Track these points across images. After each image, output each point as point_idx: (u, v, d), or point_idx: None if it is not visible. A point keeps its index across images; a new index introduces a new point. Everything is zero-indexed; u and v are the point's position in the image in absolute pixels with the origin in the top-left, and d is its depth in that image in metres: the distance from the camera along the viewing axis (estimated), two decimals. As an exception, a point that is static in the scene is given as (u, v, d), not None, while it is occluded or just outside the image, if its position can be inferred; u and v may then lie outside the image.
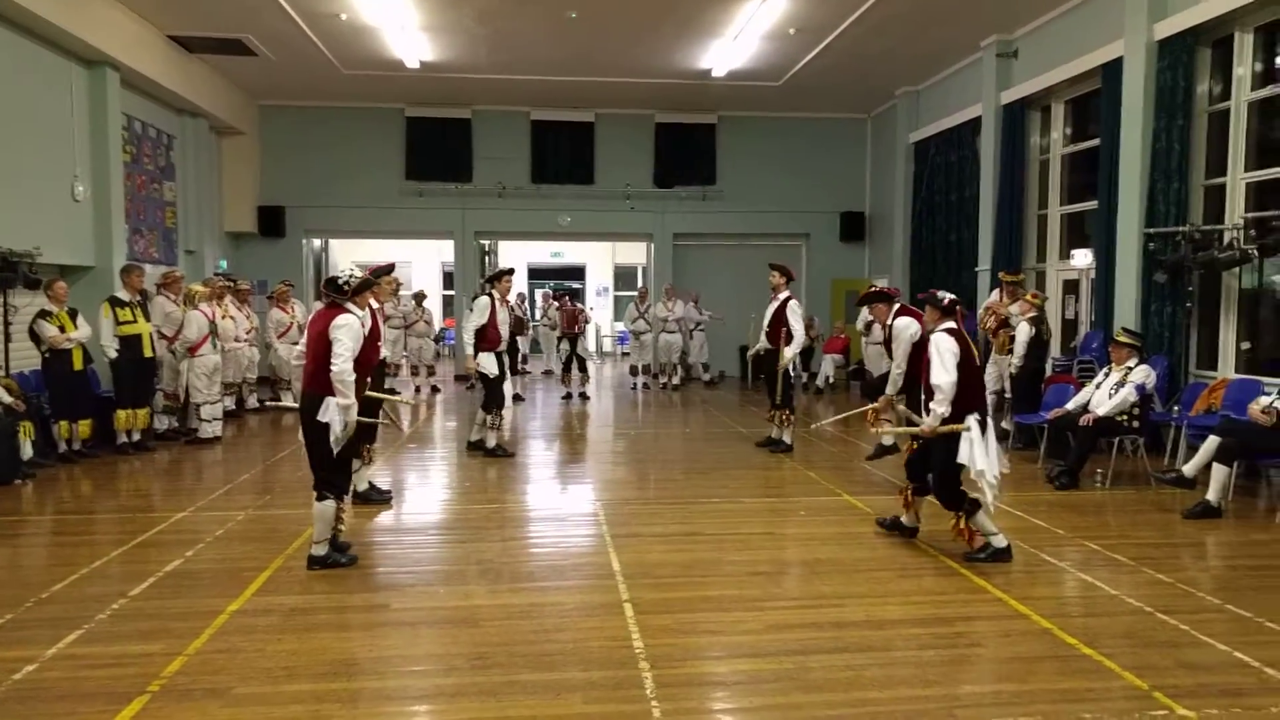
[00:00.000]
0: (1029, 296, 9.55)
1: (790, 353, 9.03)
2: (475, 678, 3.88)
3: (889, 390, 7.20)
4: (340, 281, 5.42)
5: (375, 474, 7.53)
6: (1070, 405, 8.01)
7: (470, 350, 8.86)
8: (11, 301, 9.00)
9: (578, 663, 4.02)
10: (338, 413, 5.19)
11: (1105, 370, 8.04)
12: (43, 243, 9.51)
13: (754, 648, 4.19)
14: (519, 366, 15.53)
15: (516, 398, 14.03)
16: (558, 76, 14.56)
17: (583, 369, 14.35)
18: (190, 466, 8.79)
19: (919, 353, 7.22)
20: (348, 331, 5.22)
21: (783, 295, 9.20)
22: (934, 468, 5.65)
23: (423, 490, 7.83)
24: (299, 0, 10.94)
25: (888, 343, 7.56)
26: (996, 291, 10.68)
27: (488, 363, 8.83)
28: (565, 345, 14.68)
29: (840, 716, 3.53)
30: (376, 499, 7.04)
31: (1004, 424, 9.72)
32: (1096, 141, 10.60)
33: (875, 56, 13.29)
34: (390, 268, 6.79)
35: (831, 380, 15.36)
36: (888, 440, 7.78)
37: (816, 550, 5.80)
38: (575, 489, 8.04)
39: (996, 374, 9.84)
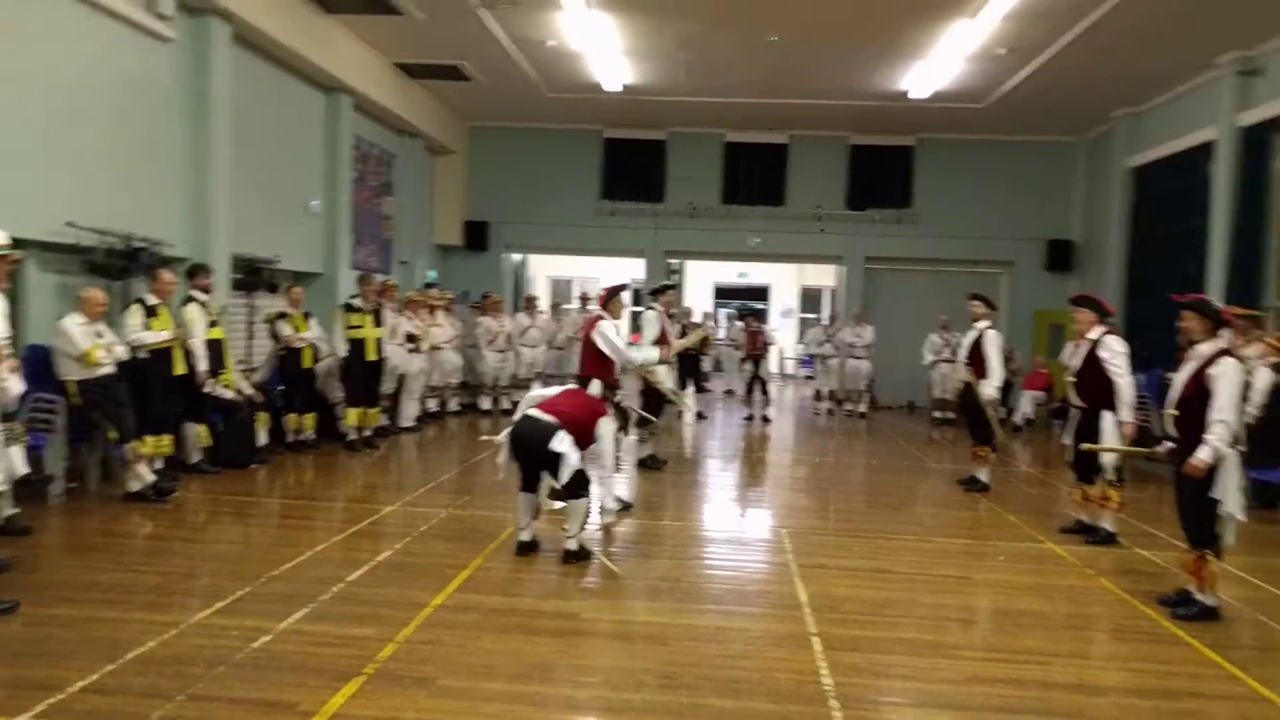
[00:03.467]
0: (1272, 340, 8.65)
1: (989, 390, 8.57)
2: (663, 696, 3.92)
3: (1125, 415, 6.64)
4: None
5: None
6: (1320, 463, 7.18)
7: (655, 364, 8.92)
8: (254, 303, 9.99)
9: (765, 693, 3.98)
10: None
11: (1365, 426, 7.15)
12: (281, 251, 10.53)
13: (952, 699, 4.00)
14: (701, 385, 15.61)
15: (699, 416, 14.14)
16: (753, 99, 14.59)
17: (764, 391, 14.25)
18: (396, 464, 9.41)
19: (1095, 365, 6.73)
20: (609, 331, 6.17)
21: (981, 325, 8.79)
22: (1184, 497, 5.22)
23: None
24: (512, 28, 11.54)
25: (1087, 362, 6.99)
26: (1228, 331, 9.74)
27: (663, 376, 8.96)
28: (749, 366, 14.64)
29: (1050, 784, 3.31)
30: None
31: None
32: (1358, 169, 9.49)
33: (1093, 77, 12.47)
34: (622, 287, 7.95)
35: (1031, 418, 14.49)
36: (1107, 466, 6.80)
37: (1017, 600, 5.47)
38: (757, 513, 7.99)
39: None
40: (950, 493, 8.87)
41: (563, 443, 5.67)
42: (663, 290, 9.46)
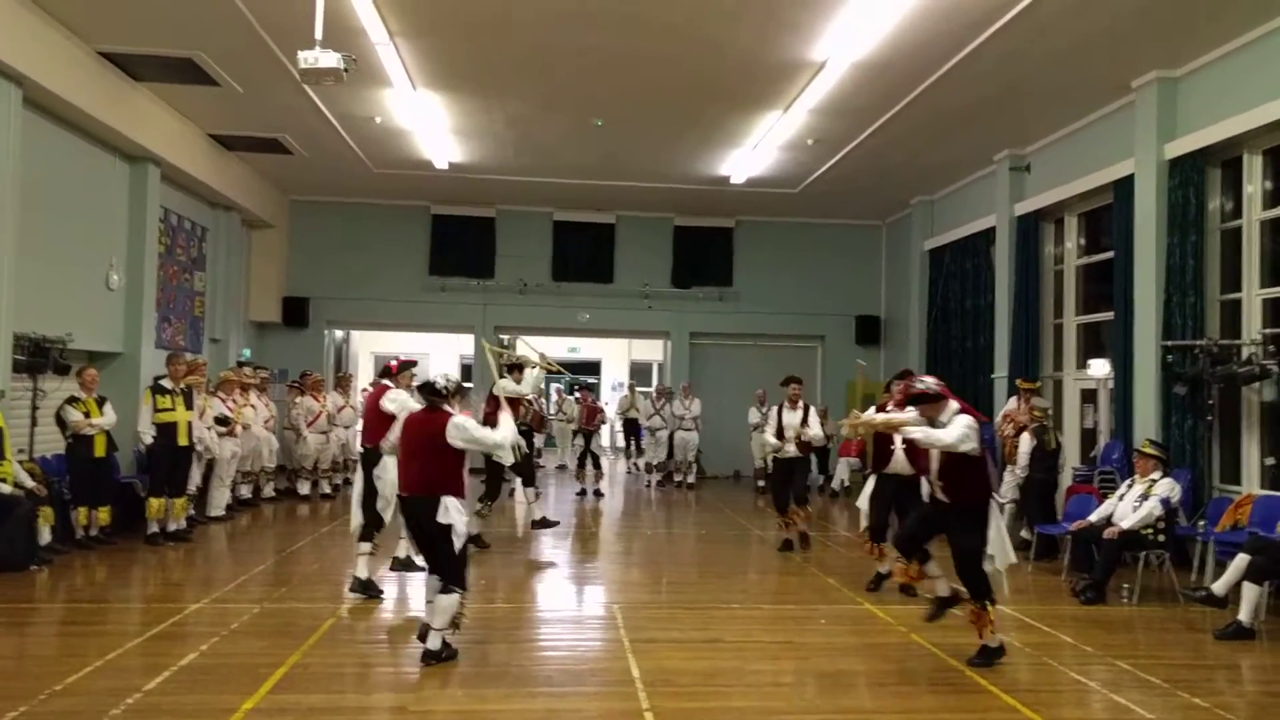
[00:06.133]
0: (1030, 408, 9.63)
1: (768, 443, 9.38)
2: (495, 788, 3.78)
3: None
4: (439, 387, 5.68)
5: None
6: (1093, 517, 7.93)
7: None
8: (40, 386, 9.14)
9: (600, 775, 3.92)
10: (458, 512, 5.37)
11: (1129, 482, 7.99)
12: (75, 329, 9.71)
13: (781, 764, 4.08)
14: (533, 460, 15.49)
15: (531, 492, 13.97)
16: (580, 180, 14.98)
17: (596, 465, 14.32)
18: (203, 556, 8.74)
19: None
20: (470, 425, 5.54)
21: (802, 405, 9.45)
22: (959, 551, 5.61)
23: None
24: (336, 104, 11.38)
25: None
26: (1014, 400, 10.72)
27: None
28: (580, 441, 14.69)
29: (872, 842, 3.42)
30: (375, 594, 7.02)
31: (1023, 534, 9.61)
32: (1110, 254, 10.77)
33: (891, 167, 13.66)
34: (413, 364, 7.27)
35: (847, 484, 15.22)
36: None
37: (839, 661, 5.69)
38: (590, 590, 7.94)
39: (1013, 481, 9.78)
40: (773, 559, 9.15)
41: (448, 513, 5.36)
42: (517, 368, 9.64)
